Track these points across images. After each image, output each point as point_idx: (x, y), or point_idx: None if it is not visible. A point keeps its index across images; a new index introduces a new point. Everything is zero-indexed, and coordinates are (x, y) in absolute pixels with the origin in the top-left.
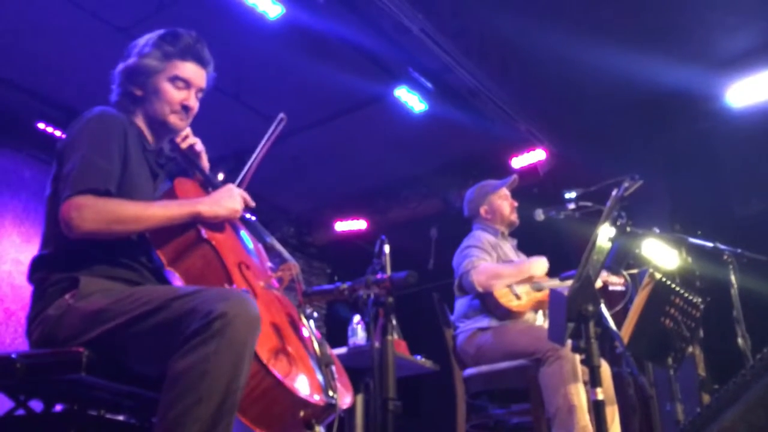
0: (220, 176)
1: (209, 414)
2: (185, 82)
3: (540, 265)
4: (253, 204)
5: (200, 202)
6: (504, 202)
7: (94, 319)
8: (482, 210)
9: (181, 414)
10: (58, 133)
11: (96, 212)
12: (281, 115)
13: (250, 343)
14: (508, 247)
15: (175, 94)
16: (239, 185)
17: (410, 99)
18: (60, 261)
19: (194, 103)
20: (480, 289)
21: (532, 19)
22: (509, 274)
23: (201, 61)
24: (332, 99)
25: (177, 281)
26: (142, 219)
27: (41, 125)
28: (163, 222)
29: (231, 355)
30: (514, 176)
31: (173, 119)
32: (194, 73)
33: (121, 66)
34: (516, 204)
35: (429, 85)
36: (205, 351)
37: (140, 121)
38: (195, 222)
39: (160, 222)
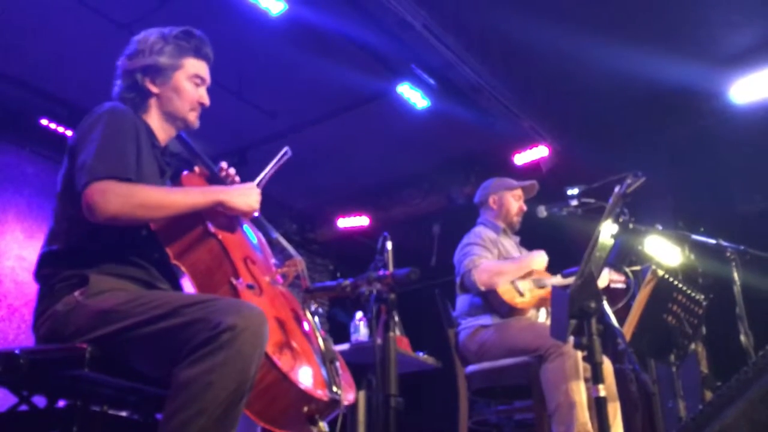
0: (224, 164)
1: (211, 424)
2: (201, 80)
3: (539, 258)
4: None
5: (222, 192)
6: (514, 202)
7: (102, 318)
8: (491, 199)
9: (183, 423)
10: (61, 129)
11: (121, 196)
12: (286, 148)
13: (257, 357)
14: (510, 243)
15: (193, 92)
16: None
17: (413, 95)
18: (69, 257)
19: (208, 101)
20: (483, 288)
21: (535, 15)
22: (511, 270)
23: (209, 61)
24: (335, 95)
25: (183, 275)
26: (165, 205)
27: (44, 122)
28: (186, 209)
29: (237, 367)
30: (535, 182)
31: (192, 116)
32: (206, 71)
33: (129, 62)
34: (525, 209)
35: (432, 81)
36: (212, 362)
37: (150, 118)
38: (202, 218)
39: (182, 209)
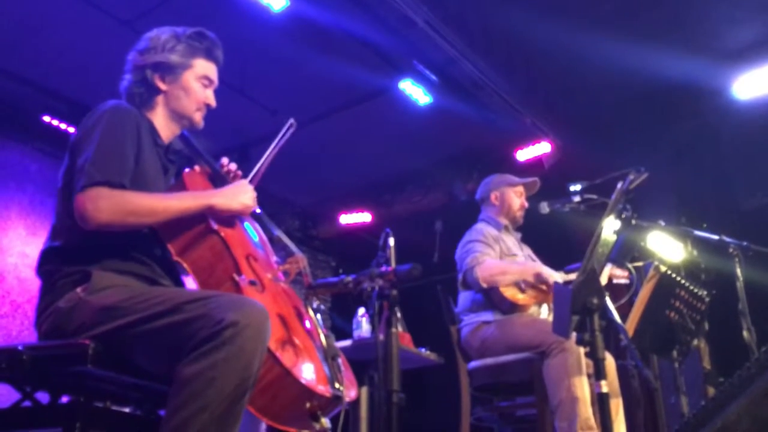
0: (224, 160)
1: (214, 421)
2: (210, 81)
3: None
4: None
5: (214, 195)
6: (516, 198)
7: (105, 315)
8: (493, 195)
9: (186, 420)
10: (63, 126)
11: (111, 204)
12: (291, 120)
13: (259, 353)
14: (512, 240)
15: (201, 92)
16: None
17: (415, 92)
18: (71, 254)
19: (215, 103)
20: (484, 285)
21: (537, 11)
22: (514, 272)
23: (218, 63)
24: (337, 92)
25: (185, 272)
26: (157, 211)
27: (46, 118)
28: (178, 214)
29: (240, 363)
30: (537, 179)
31: (197, 116)
32: (215, 73)
33: (140, 58)
34: (527, 205)
35: (434, 77)
36: (215, 358)
37: (155, 115)
38: (204, 215)
39: (174, 214)
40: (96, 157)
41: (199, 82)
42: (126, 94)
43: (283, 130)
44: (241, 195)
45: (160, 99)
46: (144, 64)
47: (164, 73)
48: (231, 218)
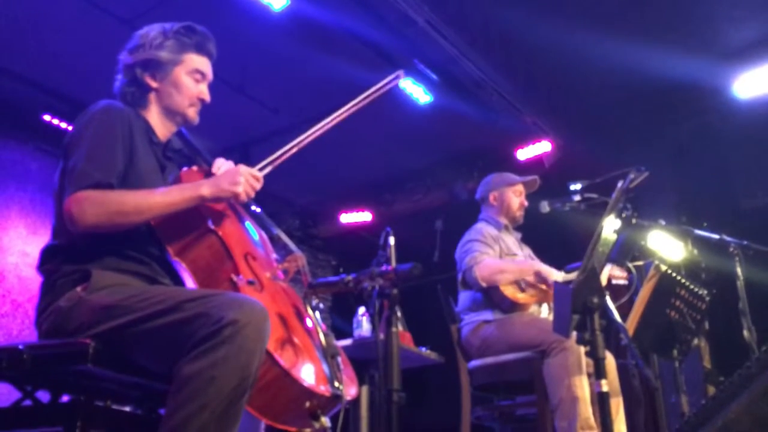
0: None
1: (214, 420)
2: (202, 75)
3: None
4: (260, 178)
5: (201, 185)
6: (515, 197)
7: (105, 314)
8: (491, 195)
9: (186, 419)
10: (63, 125)
11: (97, 205)
12: (400, 71)
13: (259, 352)
14: (512, 240)
15: (193, 87)
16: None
17: (415, 91)
18: (71, 252)
19: (209, 97)
20: (483, 285)
21: (538, 10)
22: (513, 270)
23: (211, 57)
24: (337, 91)
25: (184, 272)
26: (143, 208)
27: (47, 117)
28: (166, 209)
29: (239, 362)
30: (536, 177)
31: (191, 112)
32: (208, 67)
33: (130, 57)
34: (526, 204)
35: (434, 76)
36: (214, 357)
37: (149, 113)
38: (202, 214)
39: (162, 210)
40: (84, 160)
41: (190, 77)
42: (119, 94)
43: (389, 79)
44: (228, 181)
45: (152, 97)
46: (134, 62)
47: (154, 71)
48: (230, 218)
